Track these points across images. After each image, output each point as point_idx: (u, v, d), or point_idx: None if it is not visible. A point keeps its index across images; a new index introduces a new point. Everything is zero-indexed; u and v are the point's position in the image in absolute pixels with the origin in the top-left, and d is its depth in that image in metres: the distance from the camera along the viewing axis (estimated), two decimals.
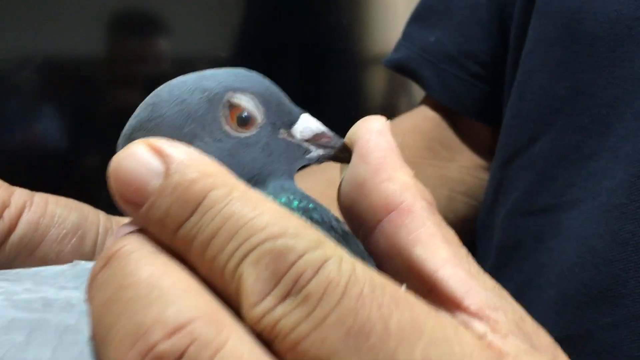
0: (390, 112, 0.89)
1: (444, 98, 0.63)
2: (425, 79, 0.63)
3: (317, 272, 0.21)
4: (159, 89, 0.29)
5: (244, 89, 0.29)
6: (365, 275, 0.22)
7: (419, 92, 0.69)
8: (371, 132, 0.28)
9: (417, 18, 0.65)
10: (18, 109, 0.77)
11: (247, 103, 0.29)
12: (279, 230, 0.22)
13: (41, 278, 0.26)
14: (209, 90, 0.29)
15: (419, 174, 0.27)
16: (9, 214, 0.32)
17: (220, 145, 0.28)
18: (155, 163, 0.23)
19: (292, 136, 0.30)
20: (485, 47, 0.61)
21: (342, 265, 0.22)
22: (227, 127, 0.29)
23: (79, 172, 0.78)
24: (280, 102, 0.30)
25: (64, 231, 0.33)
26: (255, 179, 0.29)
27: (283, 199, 0.28)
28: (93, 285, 0.23)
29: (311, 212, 0.28)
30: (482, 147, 0.64)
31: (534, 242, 0.51)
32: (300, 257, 0.22)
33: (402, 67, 0.65)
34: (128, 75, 0.81)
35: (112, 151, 0.26)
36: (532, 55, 0.53)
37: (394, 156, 0.28)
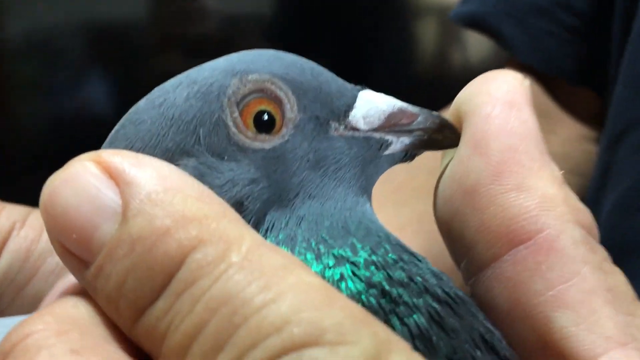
0: (442, 66, 0.86)
1: (534, 60, 0.51)
2: (509, 37, 0.51)
3: None
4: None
5: (258, 70, 0.20)
6: None
7: (474, 42, 0.66)
8: (495, 101, 0.18)
9: None
10: (66, 75, 0.76)
11: (269, 86, 0.19)
12: (308, 332, 0.13)
13: None
14: (200, 82, 0.19)
15: None
16: None
17: (232, 165, 0.19)
18: (107, 194, 0.15)
19: (352, 128, 0.20)
20: None
21: None
22: (239, 135, 0.19)
23: None
24: (322, 82, 0.20)
25: None
26: (302, 215, 0.19)
27: (340, 251, 0.19)
28: None
29: (392, 268, 0.18)
30: (586, 113, 0.53)
31: None
32: None
33: (476, 22, 0.53)
34: (174, 37, 0.80)
35: None
36: None
37: (532, 147, 0.18)
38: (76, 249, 0.15)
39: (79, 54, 0.78)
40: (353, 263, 0.18)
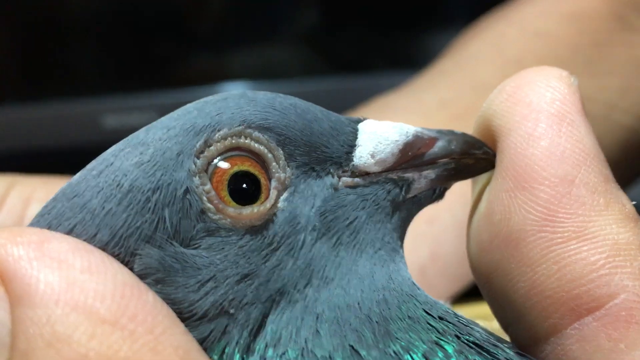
0: None
1: None
2: None
3: None
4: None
5: (227, 122, 0.15)
6: None
7: None
8: (538, 114, 0.14)
9: None
10: None
11: (243, 142, 0.15)
12: None
13: None
14: (154, 145, 0.15)
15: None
16: None
17: (212, 257, 0.14)
18: None
19: (361, 173, 0.16)
20: None
21: None
22: (217, 214, 0.14)
23: None
24: (310, 120, 0.16)
25: None
26: (319, 313, 0.14)
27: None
28: None
29: None
30: None
31: None
32: None
33: None
34: None
35: None
36: None
37: (593, 175, 0.13)
38: None
39: None
40: None
